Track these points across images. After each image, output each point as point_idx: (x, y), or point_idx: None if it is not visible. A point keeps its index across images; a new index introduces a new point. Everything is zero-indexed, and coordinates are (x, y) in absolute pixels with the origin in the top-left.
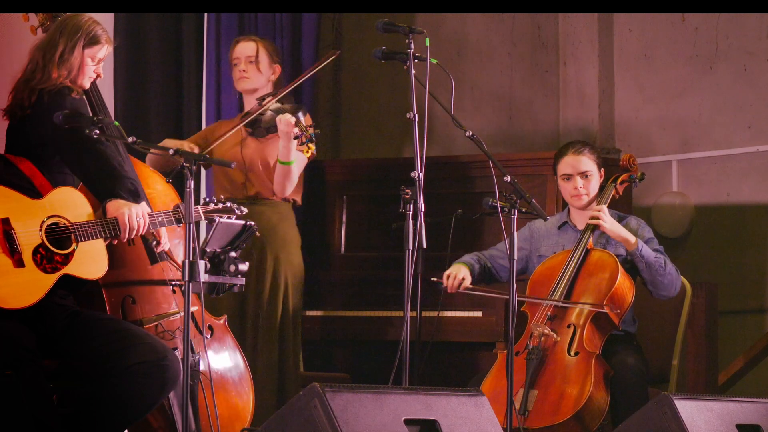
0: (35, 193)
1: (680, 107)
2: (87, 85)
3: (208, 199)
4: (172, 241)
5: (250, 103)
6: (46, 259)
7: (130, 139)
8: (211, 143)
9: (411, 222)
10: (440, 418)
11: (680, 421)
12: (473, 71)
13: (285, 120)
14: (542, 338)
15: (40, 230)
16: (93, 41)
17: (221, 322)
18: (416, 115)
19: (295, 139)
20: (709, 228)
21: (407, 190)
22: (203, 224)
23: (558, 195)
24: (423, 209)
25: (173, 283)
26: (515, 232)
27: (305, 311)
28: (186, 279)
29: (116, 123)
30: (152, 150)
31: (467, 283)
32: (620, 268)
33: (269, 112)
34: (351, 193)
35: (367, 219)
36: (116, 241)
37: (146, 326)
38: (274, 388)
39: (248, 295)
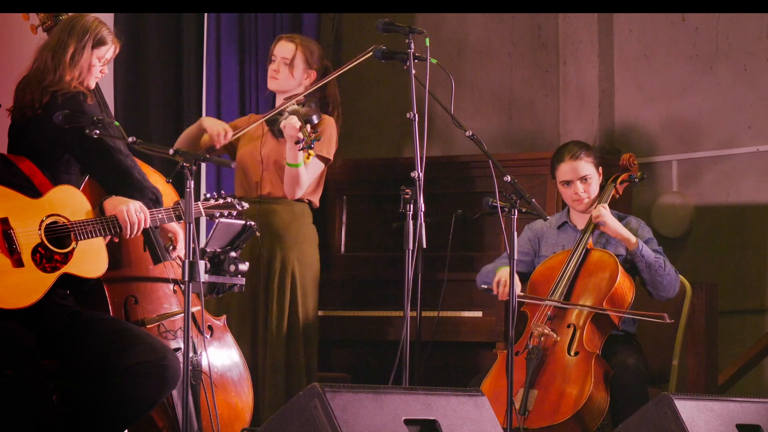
0: (35, 192)
1: (680, 107)
2: (93, 85)
3: (209, 195)
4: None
5: (280, 100)
6: (45, 259)
7: (130, 139)
8: (236, 134)
9: (411, 222)
10: (440, 418)
11: (680, 421)
12: (473, 71)
13: (290, 124)
14: (542, 338)
15: (40, 229)
16: (101, 42)
17: (221, 322)
18: (416, 115)
19: (296, 143)
20: (709, 228)
21: (407, 190)
22: (203, 221)
23: (558, 195)
24: (423, 209)
25: (176, 281)
26: (515, 233)
27: None
28: (186, 279)
29: (116, 123)
30: (152, 150)
31: (518, 289)
32: (620, 267)
33: (287, 113)
34: (351, 193)
35: (367, 219)
36: (117, 239)
37: (148, 326)
38: (284, 389)
39: (258, 294)
